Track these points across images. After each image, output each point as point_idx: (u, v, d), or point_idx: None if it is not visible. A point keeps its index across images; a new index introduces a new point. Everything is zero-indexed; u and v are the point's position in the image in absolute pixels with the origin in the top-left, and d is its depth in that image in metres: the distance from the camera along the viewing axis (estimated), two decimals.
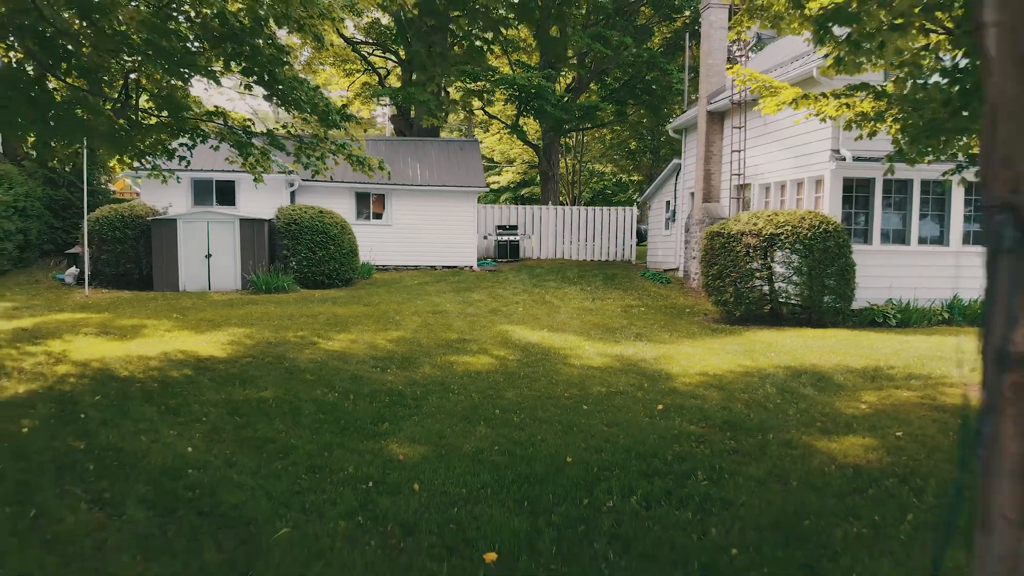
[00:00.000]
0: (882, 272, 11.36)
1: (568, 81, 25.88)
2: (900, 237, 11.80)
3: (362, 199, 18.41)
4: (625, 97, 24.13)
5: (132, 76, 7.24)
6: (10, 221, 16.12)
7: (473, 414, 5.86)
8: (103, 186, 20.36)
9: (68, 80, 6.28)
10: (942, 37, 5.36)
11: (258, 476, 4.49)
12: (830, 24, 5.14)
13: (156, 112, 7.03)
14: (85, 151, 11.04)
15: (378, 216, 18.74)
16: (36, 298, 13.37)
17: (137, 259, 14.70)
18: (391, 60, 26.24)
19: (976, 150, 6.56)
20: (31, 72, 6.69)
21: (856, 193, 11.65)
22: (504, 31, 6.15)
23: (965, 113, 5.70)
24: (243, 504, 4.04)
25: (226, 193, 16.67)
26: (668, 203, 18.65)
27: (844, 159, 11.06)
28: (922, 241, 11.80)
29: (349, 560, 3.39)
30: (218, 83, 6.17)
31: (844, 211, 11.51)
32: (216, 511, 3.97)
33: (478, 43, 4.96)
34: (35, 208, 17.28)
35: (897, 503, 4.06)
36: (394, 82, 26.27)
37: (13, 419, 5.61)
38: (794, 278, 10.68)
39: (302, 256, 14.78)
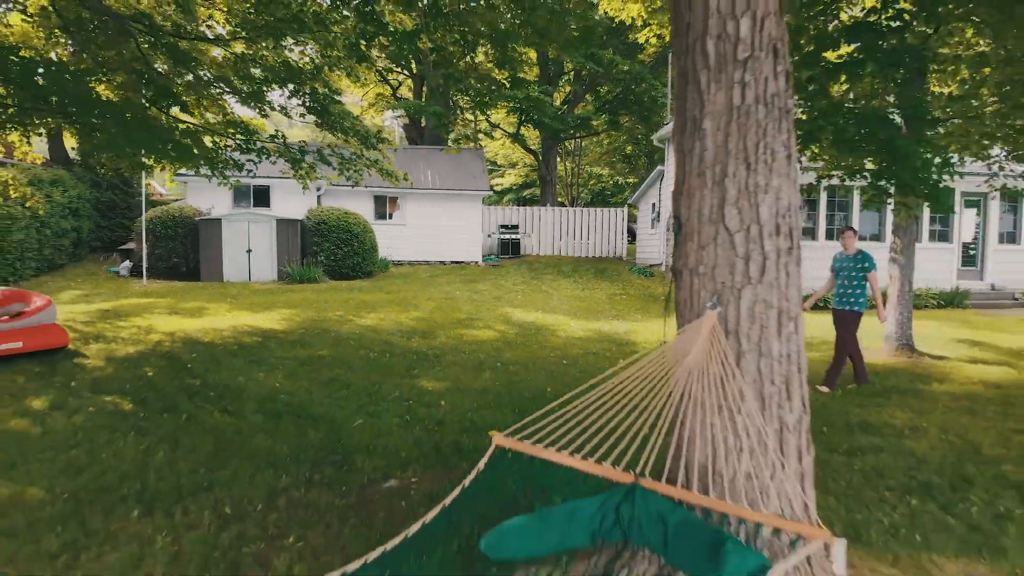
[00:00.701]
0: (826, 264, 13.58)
1: (566, 93, 27.78)
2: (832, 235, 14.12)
3: (380, 201, 20.34)
4: (617, 108, 25.99)
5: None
6: (66, 220, 18.13)
7: (480, 366, 7.82)
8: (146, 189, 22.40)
9: (171, 113, 8.28)
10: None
11: (331, 399, 6.45)
12: None
13: (232, 135, 8.99)
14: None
15: (393, 216, 20.69)
16: (99, 288, 15.37)
17: (185, 254, 16.69)
18: (403, 73, 28.19)
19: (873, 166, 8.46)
20: (136, 103, 8.69)
21: (804, 197, 13.68)
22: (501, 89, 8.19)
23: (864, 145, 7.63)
24: (325, 413, 6.00)
25: (261, 195, 18.63)
26: (653, 205, 20.55)
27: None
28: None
29: (403, 435, 5.35)
30: (288, 116, 8.14)
31: None
32: (308, 415, 5.93)
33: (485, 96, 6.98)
34: (85, 209, 19.28)
35: None
36: (405, 93, 28.23)
37: (138, 367, 7.58)
38: None
39: (330, 252, 16.77)
